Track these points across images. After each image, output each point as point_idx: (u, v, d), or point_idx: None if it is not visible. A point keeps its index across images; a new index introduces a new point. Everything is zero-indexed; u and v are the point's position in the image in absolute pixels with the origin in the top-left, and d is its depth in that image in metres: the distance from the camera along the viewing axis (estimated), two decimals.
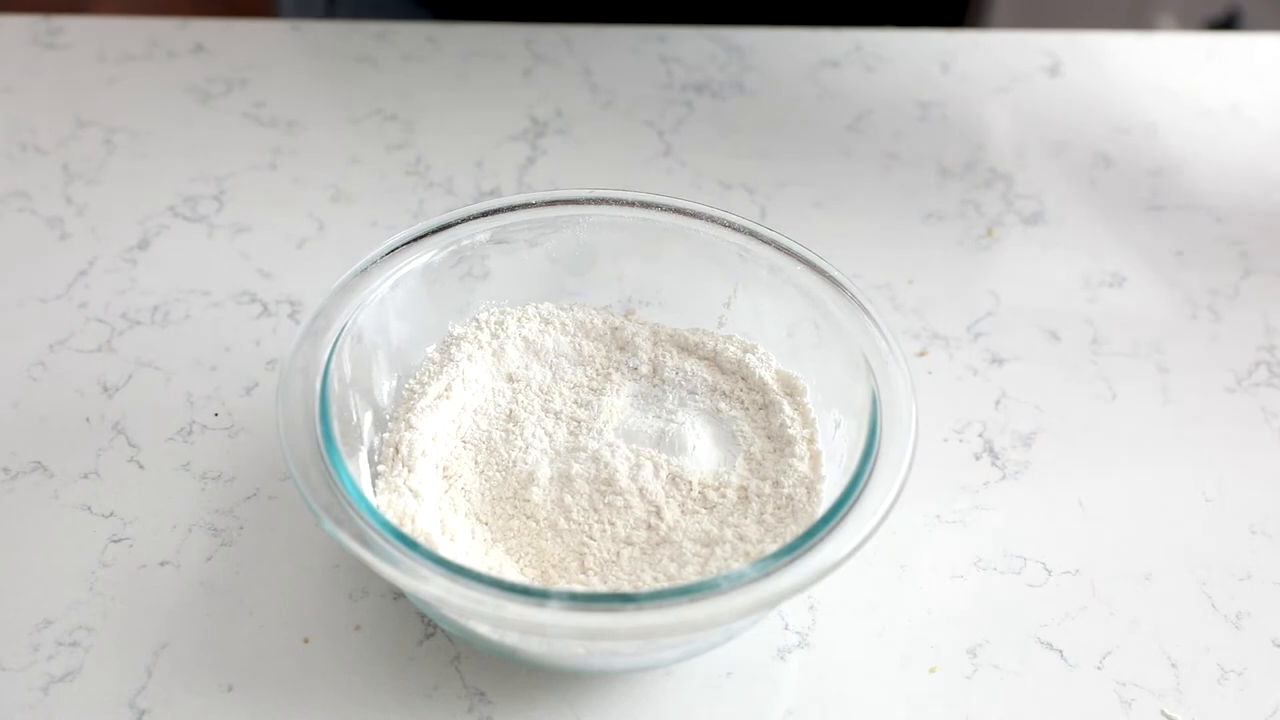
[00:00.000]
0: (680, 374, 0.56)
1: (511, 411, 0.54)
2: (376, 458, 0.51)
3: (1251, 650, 0.51)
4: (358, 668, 0.49)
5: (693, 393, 0.55)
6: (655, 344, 0.57)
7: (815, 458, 0.52)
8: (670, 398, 0.55)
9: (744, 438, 0.53)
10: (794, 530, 0.49)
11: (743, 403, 0.55)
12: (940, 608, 0.52)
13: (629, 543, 0.49)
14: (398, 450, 0.51)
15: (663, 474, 0.51)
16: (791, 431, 0.53)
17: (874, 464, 0.47)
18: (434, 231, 0.54)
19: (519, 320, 0.56)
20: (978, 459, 0.58)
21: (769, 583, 0.43)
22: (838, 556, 0.44)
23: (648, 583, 0.48)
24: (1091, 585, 0.53)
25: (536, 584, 0.48)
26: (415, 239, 0.54)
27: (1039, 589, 0.53)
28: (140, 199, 0.69)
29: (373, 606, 0.51)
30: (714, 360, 0.56)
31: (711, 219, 0.55)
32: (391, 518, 0.48)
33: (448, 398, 0.53)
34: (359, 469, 0.49)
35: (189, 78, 0.77)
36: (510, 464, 0.52)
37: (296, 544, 0.53)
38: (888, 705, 0.49)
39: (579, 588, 0.48)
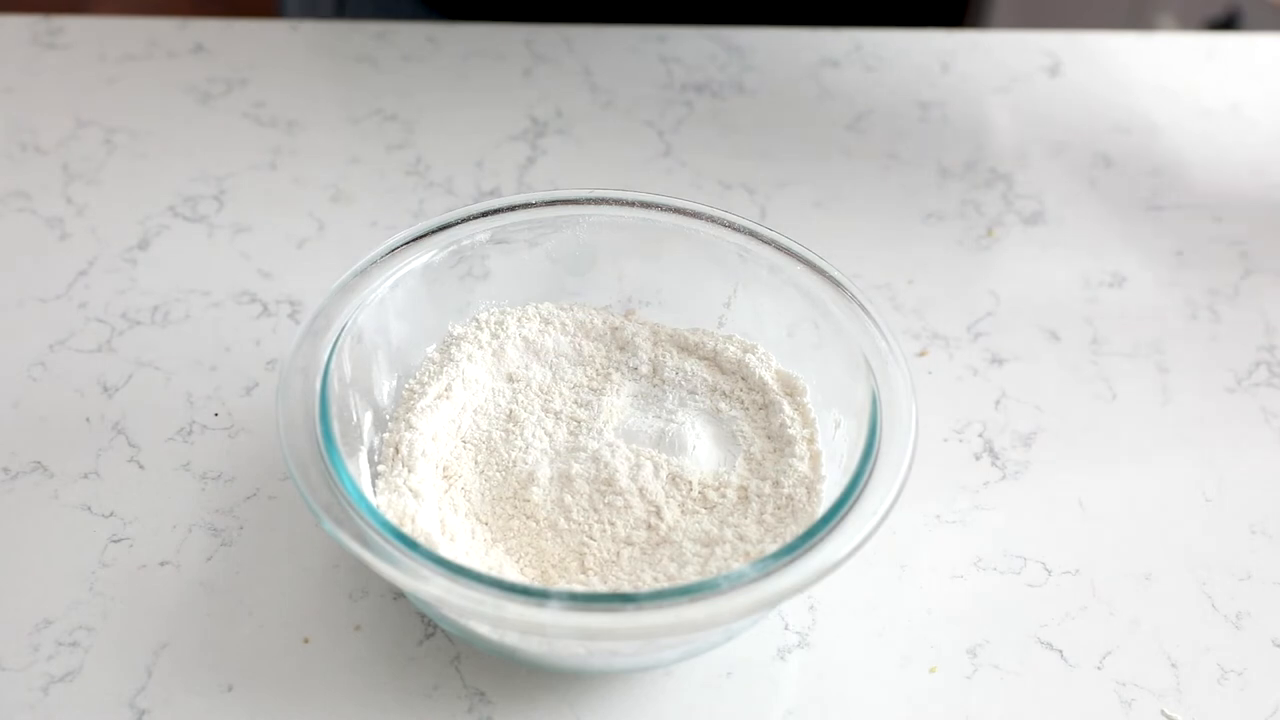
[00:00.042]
0: (680, 374, 0.56)
1: (511, 411, 0.54)
2: (376, 458, 0.51)
3: (1251, 650, 0.51)
4: (358, 668, 0.49)
5: (693, 393, 0.55)
6: (655, 344, 0.57)
7: (815, 458, 0.52)
8: (670, 398, 0.55)
9: (744, 438, 0.53)
10: (794, 530, 0.49)
11: (743, 403, 0.54)
12: (940, 608, 0.52)
13: (629, 543, 0.49)
14: (398, 450, 0.51)
15: (663, 474, 0.51)
16: (791, 431, 0.53)
17: (874, 464, 0.47)
18: (434, 231, 0.54)
19: (519, 320, 0.56)
20: (978, 459, 0.58)
21: (769, 583, 0.43)
22: (838, 556, 0.44)
23: (648, 583, 0.48)
24: (1091, 585, 0.53)
25: (536, 584, 0.48)
26: (415, 239, 0.54)
27: (1039, 589, 0.53)
28: (140, 199, 0.69)
29: (373, 606, 0.51)
30: (714, 360, 0.56)
31: (711, 219, 0.55)
32: (391, 518, 0.48)
33: (448, 398, 0.53)
34: (359, 469, 0.49)
35: (189, 78, 0.77)
36: (510, 464, 0.52)
37: (296, 544, 0.53)
38: (888, 705, 0.49)
39: (579, 588, 0.48)
